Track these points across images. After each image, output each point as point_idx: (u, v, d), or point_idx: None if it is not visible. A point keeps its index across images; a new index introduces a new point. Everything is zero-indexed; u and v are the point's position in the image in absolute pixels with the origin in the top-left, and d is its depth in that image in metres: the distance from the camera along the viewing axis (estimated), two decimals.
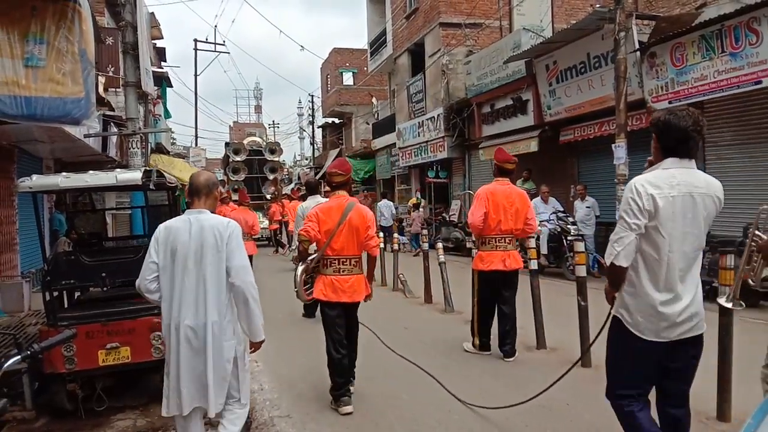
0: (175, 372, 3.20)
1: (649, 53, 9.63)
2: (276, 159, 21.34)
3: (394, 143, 22.44)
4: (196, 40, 31.32)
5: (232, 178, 18.11)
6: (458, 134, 17.34)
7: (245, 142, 19.44)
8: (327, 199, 4.84)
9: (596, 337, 3.33)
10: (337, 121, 35.29)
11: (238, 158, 18.69)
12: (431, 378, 4.86)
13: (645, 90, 9.84)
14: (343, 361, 4.35)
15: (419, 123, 19.54)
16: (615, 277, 2.72)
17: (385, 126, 24.48)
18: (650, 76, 9.68)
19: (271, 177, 20.34)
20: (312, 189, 8.33)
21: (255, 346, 3.39)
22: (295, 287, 4.56)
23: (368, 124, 28.16)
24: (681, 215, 2.60)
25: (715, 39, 8.37)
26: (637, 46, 9.67)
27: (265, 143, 19.23)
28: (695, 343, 2.69)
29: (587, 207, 10.90)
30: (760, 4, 7.52)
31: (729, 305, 3.47)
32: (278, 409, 4.46)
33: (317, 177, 27.52)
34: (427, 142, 18.97)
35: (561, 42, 11.70)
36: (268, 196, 20.10)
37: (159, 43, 23.60)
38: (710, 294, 4.90)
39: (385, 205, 17.70)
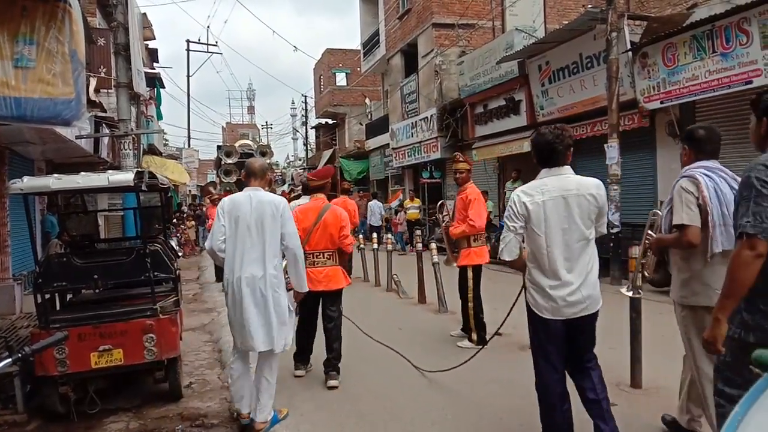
0: (239, 319, 4.03)
1: (640, 53, 9.67)
2: (267, 162, 21.86)
3: (388, 144, 22.45)
4: (188, 41, 31.28)
5: (224, 180, 18.36)
6: (451, 135, 17.36)
7: (237, 145, 20.02)
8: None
9: (508, 314, 4.19)
10: (330, 121, 35.28)
11: (229, 161, 19.34)
12: (425, 378, 4.88)
13: (637, 90, 9.88)
14: (308, 329, 5.17)
15: (412, 123, 19.55)
16: (511, 266, 3.35)
17: (379, 126, 24.49)
18: (642, 76, 9.72)
19: None
20: (306, 189, 8.36)
21: (298, 296, 4.34)
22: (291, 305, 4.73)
23: (361, 124, 28.16)
24: (554, 215, 3.12)
25: (706, 39, 8.42)
26: (628, 47, 9.71)
27: (256, 146, 19.82)
28: (591, 320, 3.20)
29: None
30: (750, 4, 7.57)
31: (629, 294, 4.38)
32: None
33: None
34: (420, 142, 18.99)
35: (553, 42, 11.73)
36: None
37: (151, 44, 23.53)
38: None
39: (375, 206, 18.02)
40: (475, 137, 15.82)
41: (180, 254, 16.31)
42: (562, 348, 3.23)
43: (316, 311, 5.17)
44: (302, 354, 5.26)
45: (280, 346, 4.06)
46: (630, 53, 9.79)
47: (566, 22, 12.45)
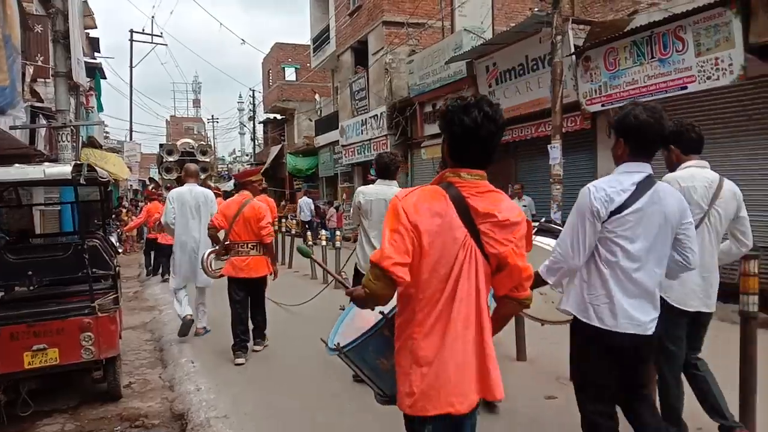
0: (179, 264, 6.62)
1: (584, 57, 9.95)
2: (207, 160, 23.09)
3: (337, 140, 22.37)
4: (131, 31, 30.33)
5: (165, 177, 18.55)
6: (401, 133, 17.45)
7: (178, 143, 20.97)
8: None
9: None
10: (279, 117, 34.85)
11: (171, 159, 20.24)
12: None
13: (580, 93, 10.16)
14: (242, 316, 5.73)
15: (362, 121, 19.55)
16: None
17: (328, 123, 24.36)
18: (585, 80, 10.02)
19: (201, 176, 21.64)
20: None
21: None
22: (201, 265, 6.14)
23: (311, 120, 27.95)
24: (376, 211, 4.81)
25: (646, 45, 8.74)
26: (572, 50, 9.98)
27: (197, 144, 20.75)
28: None
29: (524, 206, 11.17)
30: (686, 13, 7.90)
31: None
32: (215, 410, 4.37)
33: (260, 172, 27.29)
34: (370, 140, 19.01)
35: (500, 44, 11.94)
36: None
37: (92, 33, 22.74)
38: None
39: (305, 202, 19.32)
40: (424, 136, 15.95)
41: (120, 251, 15.84)
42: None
43: (247, 303, 5.82)
44: (241, 343, 5.69)
45: (206, 282, 6.58)
46: (574, 57, 10.06)
47: (513, 25, 12.69)
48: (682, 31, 8.06)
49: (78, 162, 5.07)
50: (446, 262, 1.91)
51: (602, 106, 9.72)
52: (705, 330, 3.39)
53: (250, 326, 5.91)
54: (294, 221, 20.14)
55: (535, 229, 3.45)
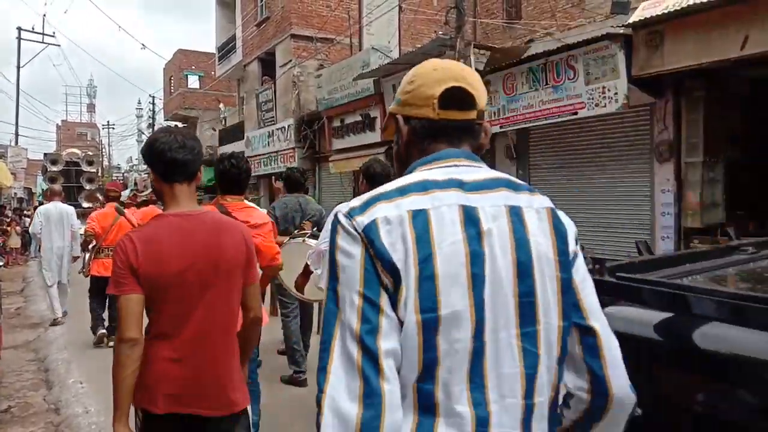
0: (51, 265, 8.20)
1: (484, 81, 10.37)
2: (93, 170, 22.98)
3: (243, 151, 21.92)
4: (19, 29, 28.34)
5: (46, 186, 18.51)
6: (309, 146, 17.40)
7: (64, 153, 20.93)
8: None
9: None
10: (180, 125, 33.66)
11: (54, 168, 20.04)
12: None
13: None
14: (98, 311, 6.88)
15: (269, 132, 19.31)
16: None
17: (233, 133, 23.85)
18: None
19: (87, 187, 22.29)
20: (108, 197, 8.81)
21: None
22: (83, 269, 7.19)
23: (215, 130, 27.24)
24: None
25: (541, 72, 9.27)
26: None
27: (83, 154, 20.70)
28: None
29: None
30: (577, 44, 8.49)
31: None
32: None
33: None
34: (277, 152, 18.80)
35: (406, 64, 12.23)
36: (84, 204, 20.68)
37: None
38: None
39: None
40: (332, 150, 16.00)
41: (1, 263, 14.67)
42: None
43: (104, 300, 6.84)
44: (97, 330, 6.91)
45: (65, 278, 8.45)
46: None
47: (419, 46, 13.08)
48: (573, 61, 8.63)
49: None
50: None
51: (500, 128, 10.19)
52: None
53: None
54: None
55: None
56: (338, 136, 15.67)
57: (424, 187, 1.11)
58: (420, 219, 1.06)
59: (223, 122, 26.59)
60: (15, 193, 30.98)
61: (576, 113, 8.76)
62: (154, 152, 2.10)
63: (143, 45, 37.96)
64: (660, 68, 7.47)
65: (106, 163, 51.24)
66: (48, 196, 8.79)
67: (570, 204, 9.51)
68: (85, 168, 22.35)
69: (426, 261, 1.03)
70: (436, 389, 1.03)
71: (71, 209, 8.68)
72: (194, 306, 2.04)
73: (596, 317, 1.15)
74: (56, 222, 8.22)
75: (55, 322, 8.16)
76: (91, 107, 74.28)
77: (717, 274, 1.72)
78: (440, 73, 1.23)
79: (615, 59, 7.99)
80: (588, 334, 1.13)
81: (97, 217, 6.88)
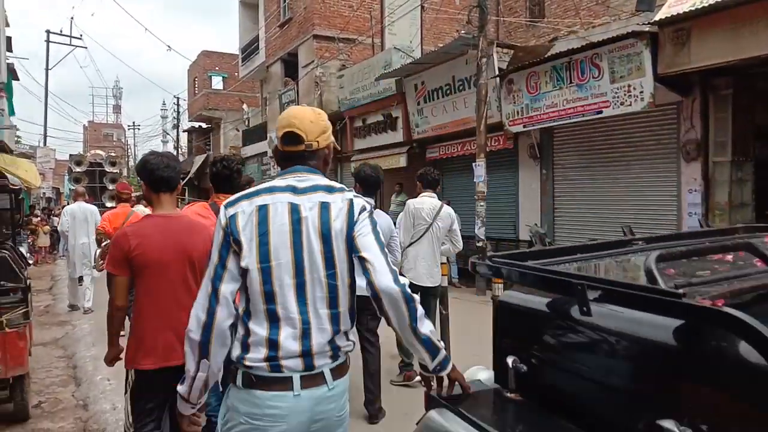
0: (73, 260, 9.15)
1: (507, 80, 10.33)
2: (116, 171, 23.36)
3: (266, 151, 22.09)
4: (48, 32, 28.89)
5: (72, 187, 19.08)
6: None
7: (88, 155, 21.60)
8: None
9: None
10: (204, 125, 34.02)
11: (79, 169, 20.78)
12: None
13: (503, 114, 10.53)
14: None
15: None
16: None
17: (257, 133, 24.03)
18: (508, 101, 10.40)
19: (110, 187, 22.29)
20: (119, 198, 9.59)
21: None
22: (94, 263, 7.51)
23: (238, 130, 27.46)
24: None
25: (565, 71, 9.18)
26: (497, 73, 10.34)
27: (106, 155, 21.48)
28: None
29: None
30: (602, 42, 8.38)
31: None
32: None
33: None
34: None
35: (429, 64, 12.22)
36: (108, 204, 20.66)
37: (6, 32, 21.50)
38: None
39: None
40: (353, 150, 16.03)
41: (30, 262, 14.96)
42: None
43: None
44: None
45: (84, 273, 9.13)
46: (498, 79, 10.43)
47: (441, 45, 13.03)
48: (598, 59, 8.53)
49: None
50: None
51: (524, 127, 10.12)
52: (435, 299, 5.26)
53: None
54: None
55: None
56: (360, 136, 15.69)
57: (270, 190, 1.87)
58: (263, 210, 1.82)
59: (247, 123, 26.80)
60: (44, 193, 31.59)
61: (601, 112, 8.67)
62: (146, 170, 2.86)
63: (169, 47, 38.44)
64: (687, 66, 7.32)
65: (132, 163, 51.96)
66: (74, 196, 9.87)
67: (595, 204, 9.40)
68: (108, 169, 22.84)
69: (263, 234, 1.79)
70: (277, 308, 1.78)
71: (94, 209, 9.43)
72: (167, 282, 2.76)
73: (367, 249, 1.82)
74: (81, 221, 9.06)
75: (77, 308, 9.32)
76: (117, 108, 75.45)
77: (593, 263, 2.07)
78: (282, 122, 1.96)
79: (640, 57, 7.87)
80: (363, 260, 1.81)
81: (109, 218, 7.13)
